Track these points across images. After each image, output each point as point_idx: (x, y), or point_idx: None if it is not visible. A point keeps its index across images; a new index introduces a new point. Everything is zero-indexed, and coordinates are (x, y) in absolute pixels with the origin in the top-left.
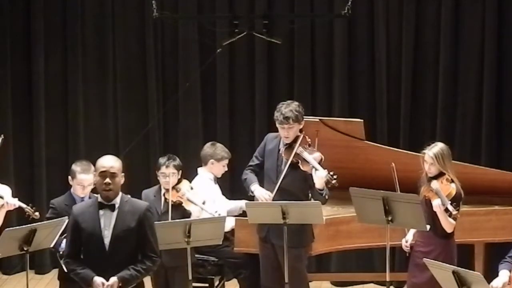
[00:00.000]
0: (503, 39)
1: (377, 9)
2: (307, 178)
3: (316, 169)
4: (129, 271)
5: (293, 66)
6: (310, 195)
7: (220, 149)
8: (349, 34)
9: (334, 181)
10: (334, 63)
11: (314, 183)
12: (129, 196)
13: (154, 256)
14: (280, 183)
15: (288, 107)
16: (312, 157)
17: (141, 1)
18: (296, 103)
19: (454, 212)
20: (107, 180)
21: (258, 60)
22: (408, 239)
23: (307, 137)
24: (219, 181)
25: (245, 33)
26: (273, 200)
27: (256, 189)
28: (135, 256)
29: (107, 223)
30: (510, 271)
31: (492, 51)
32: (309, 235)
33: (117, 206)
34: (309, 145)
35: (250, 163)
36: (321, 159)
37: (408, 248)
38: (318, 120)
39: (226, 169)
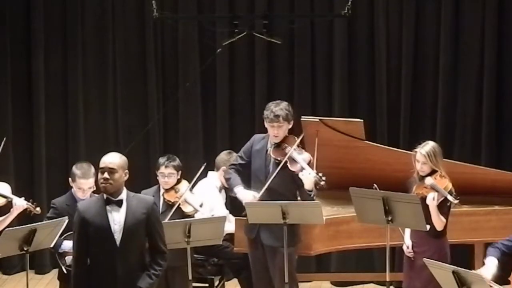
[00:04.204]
0: (503, 39)
1: (377, 9)
2: (295, 178)
3: (305, 170)
4: (150, 279)
5: (293, 66)
6: (298, 194)
7: (235, 159)
8: (349, 34)
9: (322, 183)
10: (334, 63)
11: (302, 184)
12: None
13: (163, 252)
14: (269, 184)
15: (278, 106)
16: (302, 158)
17: (141, 1)
18: (286, 102)
19: (456, 201)
20: (105, 175)
21: (258, 60)
22: (408, 244)
23: (296, 137)
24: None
25: (245, 33)
26: (260, 200)
27: (239, 191)
28: (143, 251)
29: (116, 218)
30: (498, 260)
31: (492, 51)
32: (298, 235)
33: (124, 201)
34: (298, 146)
35: (234, 162)
36: (310, 160)
37: (412, 253)
38: (318, 120)
39: None
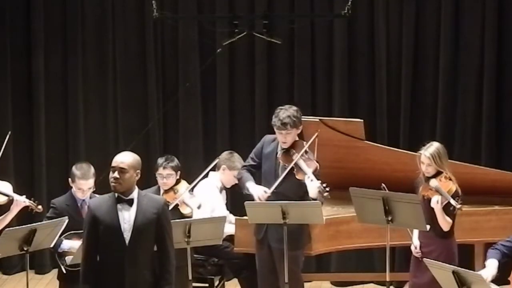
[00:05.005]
0: (503, 39)
1: (377, 9)
2: (302, 184)
3: (310, 179)
4: None
5: (293, 66)
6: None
7: (236, 159)
8: (349, 34)
9: (326, 194)
10: (334, 63)
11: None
12: (145, 191)
13: (170, 256)
14: (276, 187)
15: (286, 113)
16: (307, 166)
17: (141, 1)
18: (294, 108)
19: (458, 206)
20: (115, 174)
21: (258, 60)
22: (416, 245)
23: (305, 142)
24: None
25: (245, 33)
26: (269, 198)
27: (251, 186)
28: (152, 251)
29: (126, 217)
30: (499, 262)
31: (492, 51)
32: (306, 237)
33: (135, 200)
34: (306, 152)
35: (246, 163)
36: (316, 168)
37: (420, 253)
38: (318, 120)
39: (236, 181)
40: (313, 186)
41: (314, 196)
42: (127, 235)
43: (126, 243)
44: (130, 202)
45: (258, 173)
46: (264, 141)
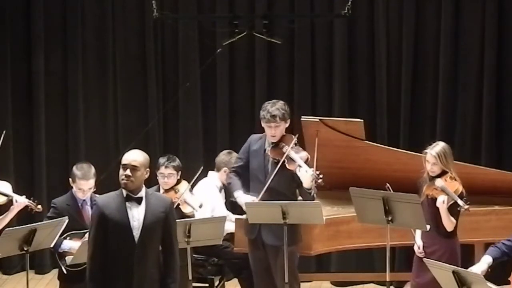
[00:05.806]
0: (503, 39)
1: (377, 9)
2: (294, 177)
3: (302, 168)
4: None
5: (293, 66)
6: (298, 193)
7: (235, 159)
8: (349, 34)
9: (320, 180)
10: (334, 63)
11: (301, 182)
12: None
13: (176, 254)
14: (268, 184)
15: (274, 106)
16: (299, 156)
17: (141, 1)
18: (282, 102)
19: (466, 206)
20: (127, 172)
21: (258, 60)
22: (419, 245)
23: (293, 136)
24: None
25: (245, 33)
26: (260, 200)
27: (239, 196)
28: (158, 251)
29: (135, 215)
30: (494, 260)
31: (492, 51)
32: (299, 234)
33: (144, 199)
34: (296, 144)
35: (234, 165)
36: (308, 158)
37: (423, 253)
38: (318, 120)
39: None
40: (306, 175)
41: (308, 185)
42: (136, 233)
43: (136, 241)
44: (138, 200)
45: (246, 174)
46: (250, 140)
